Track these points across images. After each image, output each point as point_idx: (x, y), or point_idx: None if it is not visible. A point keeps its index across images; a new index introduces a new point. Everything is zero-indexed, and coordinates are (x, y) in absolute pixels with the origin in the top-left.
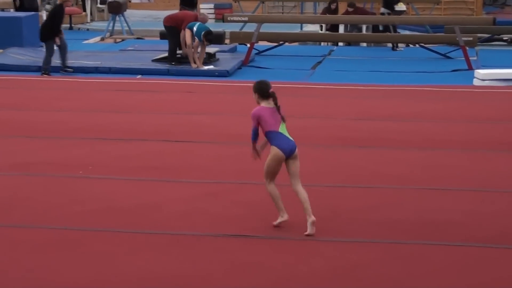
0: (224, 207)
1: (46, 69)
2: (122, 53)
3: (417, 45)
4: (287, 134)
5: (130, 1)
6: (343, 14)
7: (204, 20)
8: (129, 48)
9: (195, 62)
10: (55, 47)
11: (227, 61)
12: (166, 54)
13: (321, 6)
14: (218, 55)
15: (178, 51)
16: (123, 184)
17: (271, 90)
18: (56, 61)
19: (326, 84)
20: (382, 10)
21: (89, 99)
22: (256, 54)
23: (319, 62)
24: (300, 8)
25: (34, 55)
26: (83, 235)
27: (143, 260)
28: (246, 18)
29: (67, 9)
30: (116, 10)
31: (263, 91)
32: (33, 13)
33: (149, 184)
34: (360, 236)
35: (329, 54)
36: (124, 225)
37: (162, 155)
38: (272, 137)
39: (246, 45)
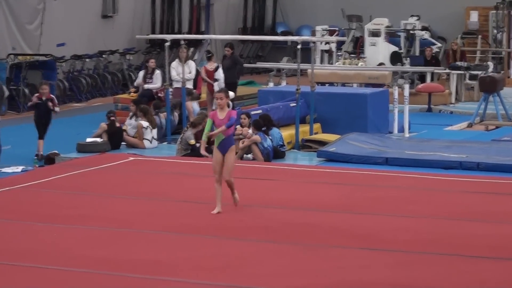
0: None
1: None
2: (495, 145)
3: None
4: None
5: (509, 77)
6: None
7: None
8: (505, 138)
9: None
10: None
11: None
12: None
13: None
14: None
15: None
16: None
17: None
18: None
19: None
20: None
21: (444, 204)
22: None
23: None
24: None
25: (380, 144)
26: None
27: None
28: None
29: (426, 85)
30: (490, 87)
31: None
32: (381, 89)
33: None
34: None
35: None
36: None
37: None
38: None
39: None
